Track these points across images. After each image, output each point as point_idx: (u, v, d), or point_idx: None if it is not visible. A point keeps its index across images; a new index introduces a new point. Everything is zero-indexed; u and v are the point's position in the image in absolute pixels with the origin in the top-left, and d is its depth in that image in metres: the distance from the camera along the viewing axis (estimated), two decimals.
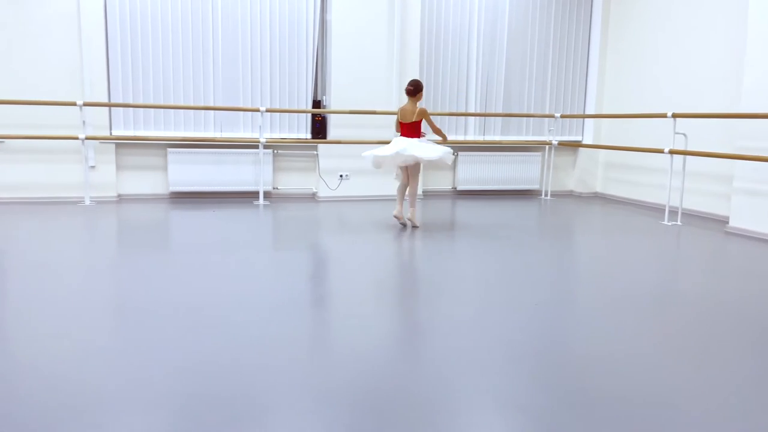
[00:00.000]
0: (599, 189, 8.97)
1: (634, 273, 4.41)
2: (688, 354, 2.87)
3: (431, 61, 8.30)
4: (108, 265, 4.33)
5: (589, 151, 8.95)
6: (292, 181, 7.98)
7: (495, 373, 2.58)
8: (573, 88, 8.97)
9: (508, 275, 4.28)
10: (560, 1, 8.70)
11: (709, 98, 6.96)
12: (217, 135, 7.63)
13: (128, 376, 2.45)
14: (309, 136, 7.95)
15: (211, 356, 2.67)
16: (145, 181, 7.49)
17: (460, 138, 8.55)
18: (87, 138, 6.90)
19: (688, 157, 6.54)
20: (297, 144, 7.87)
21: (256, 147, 7.50)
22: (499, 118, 8.68)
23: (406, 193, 5.99)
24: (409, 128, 5.78)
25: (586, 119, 9.00)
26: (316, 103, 7.97)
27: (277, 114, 7.78)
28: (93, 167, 7.15)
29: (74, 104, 6.79)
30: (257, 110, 7.36)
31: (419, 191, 8.13)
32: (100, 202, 7.02)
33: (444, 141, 6.22)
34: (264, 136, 7.42)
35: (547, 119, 8.85)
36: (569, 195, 8.97)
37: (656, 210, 7.35)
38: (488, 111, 8.63)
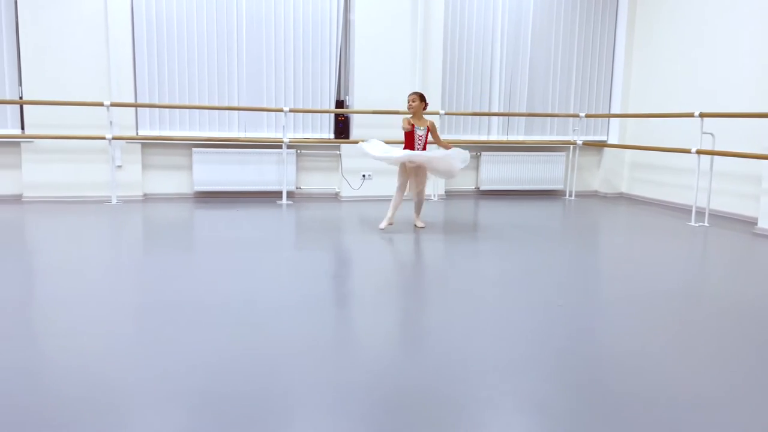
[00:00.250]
0: (624, 189, 8.86)
1: (661, 274, 4.35)
2: (713, 356, 2.83)
3: (454, 60, 8.27)
4: (134, 262, 4.40)
5: (614, 151, 8.84)
6: (315, 181, 8.02)
7: (516, 373, 2.57)
8: (598, 87, 8.88)
9: (531, 275, 4.25)
10: (585, 0, 8.62)
11: (737, 97, 6.83)
12: (241, 135, 7.70)
13: (151, 372, 2.49)
14: (332, 136, 7.98)
15: (233, 353, 2.70)
16: (170, 181, 7.59)
17: (483, 138, 8.51)
18: (114, 138, 7.01)
19: (715, 157, 6.43)
20: (320, 144, 7.90)
21: (280, 147, 7.55)
22: (523, 118, 8.62)
23: (404, 196, 5.76)
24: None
25: (612, 119, 8.90)
26: (339, 103, 7.99)
27: (301, 114, 7.83)
28: (120, 167, 7.26)
29: (102, 105, 6.90)
30: (281, 110, 7.41)
31: (441, 191, 8.13)
32: (126, 202, 7.12)
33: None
34: (287, 136, 7.47)
35: (571, 119, 8.77)
36: (594, 195, 8.88)
37: (683, 211, 7.24)
38: (512, 110, 8.58)
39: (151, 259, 4.51)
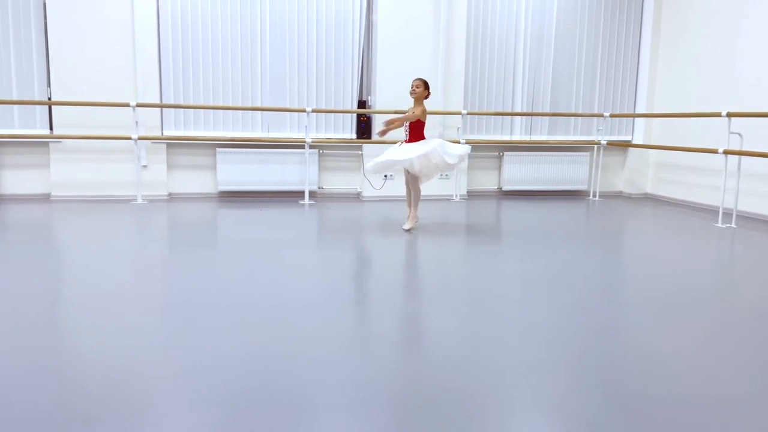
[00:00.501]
0: (649, 190, 8.75)
1: (686, 277, 4.29)
2: (739, 359, 2.78)
3: (477, 60, 8.25)
4: (159, 261, 4.45)
5: (639, 151, 8.74)
6: (337, 181, 8.05)
7: (538, 373, 2.55)
8: (623, 86, 8.79)
9: (554, 276, 4.22)
10: (610, 1, 8.55)
11: (765, 97, 6.71)
12: (264, 135, 7.76)
13: (175, 369, 2.52)
14: (354, 136, 8.00)
15: (258, 351, 2.72)
16: (194, 181, 7.67)
17: (506, 137, 8.47)
18: (140, 138, 7.11)
19: (743, 157, 6.32)
20: (342, 144, 7.93)
21: (302, 147, 7.59)
22: (546, 118, 8.56)
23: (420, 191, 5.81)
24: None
25: (636, 119, 8.80)
26: (362, 104, 8.01)
27: (323, 114, 7.87)
28: (145, 166, 7.36)
29: (128, 105, 7.01)
30: (303, 111, 7.45)
31: (463, 191, 8.10)
32: (151, 201, 7.22)
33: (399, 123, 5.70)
34: (310, 136, 7.50)
35: (595, 118, 8.69)
36: (618, 196, 8.78)
37: (709, 212, 7.12)
38: (535, 110, 8.52)
39: (175, 258, 4.57)
